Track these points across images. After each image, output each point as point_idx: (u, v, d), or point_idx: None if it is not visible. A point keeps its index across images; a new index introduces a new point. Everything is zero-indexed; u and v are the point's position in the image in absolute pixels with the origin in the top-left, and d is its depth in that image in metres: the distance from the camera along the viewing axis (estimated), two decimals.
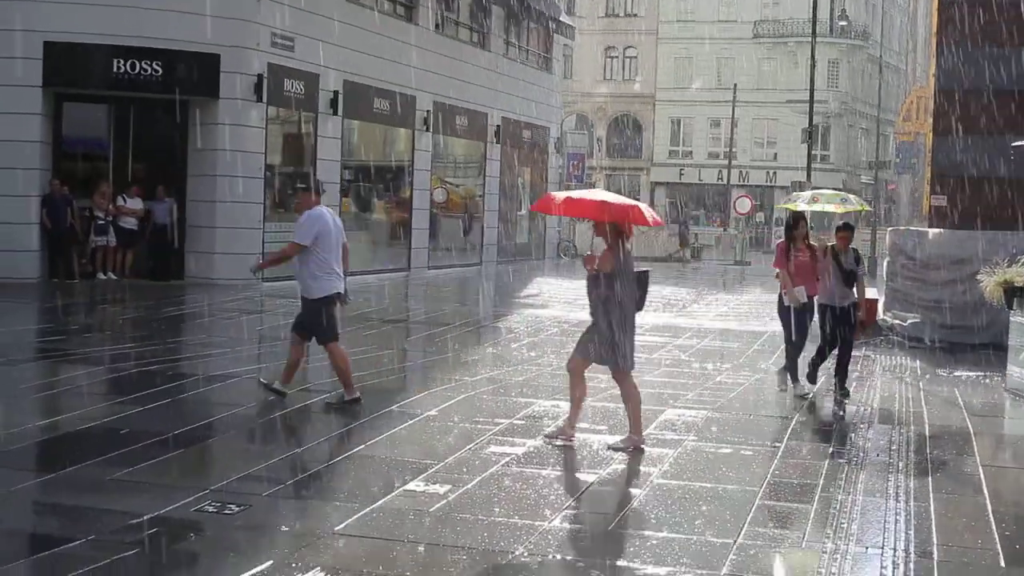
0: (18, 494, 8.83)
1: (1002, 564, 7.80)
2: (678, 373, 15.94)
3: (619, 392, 11.12)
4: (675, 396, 13.83)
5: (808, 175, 27.47)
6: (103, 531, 7.80)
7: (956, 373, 16.82)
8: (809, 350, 14.81)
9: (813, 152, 31.86)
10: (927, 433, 12.23)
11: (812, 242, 14.81)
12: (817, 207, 19.99)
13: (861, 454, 11.06)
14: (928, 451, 11.40)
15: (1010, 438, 13.43)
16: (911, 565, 7.64)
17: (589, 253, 11.25)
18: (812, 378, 14.55)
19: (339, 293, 12.42)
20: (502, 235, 42.43)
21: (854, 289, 14.25)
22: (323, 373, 15.98)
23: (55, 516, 8.41)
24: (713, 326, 22.74)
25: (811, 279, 14.49)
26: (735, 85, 67.87)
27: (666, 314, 25.34)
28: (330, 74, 30.08)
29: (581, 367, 11.18)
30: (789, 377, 14.68)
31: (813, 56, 29.36)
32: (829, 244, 14.47)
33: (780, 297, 15.00)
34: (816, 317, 14.80)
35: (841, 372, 14.35)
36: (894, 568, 7.57)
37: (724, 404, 13.48)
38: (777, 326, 22.61)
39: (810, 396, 14.20)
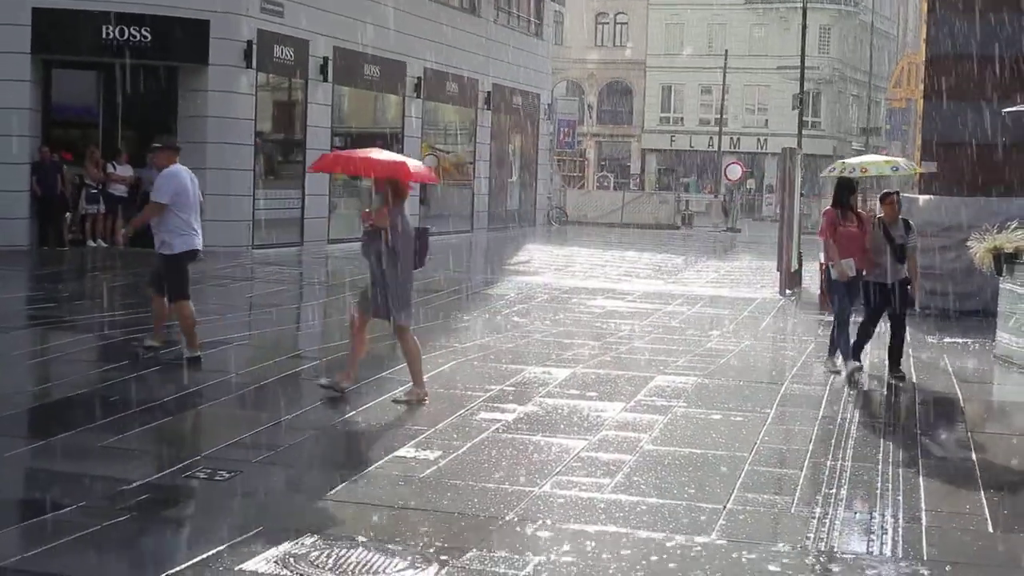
0: (8, 461, 8.83)
1: (990, 529, 7.84)
2: (668, 339, 15.96)
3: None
4: (665, 362, 13.85)
5: (799, 142, 27.45)
6: (94, 497, 7.82)
7: (946, 339, 16.84)
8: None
9: (804, 118, 31.89)
10: (916, 399, 12.28)
11: (860, 211, 13.66)
12: (866, 175, 18.56)
13: (851, 420, 11.09)
14: (917, 417, 11.44)
15: (999, 404, 13.45)
16: (900, 530, 7.67)
17: (367, 210, 11.35)
18: (857, 356, 13.36)
19: (196, 250, 12.83)
20: (493, 202, 42.38)
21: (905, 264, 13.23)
22: (313, 340, 16.01)
23: (46, 483, 8.41)
24: (704, 292, 22.75)
25: (860, 251, 13.25)
26: (726, 51, 67.73)
27: (657, 281, 25.37)
28: (320, 40, 29.98)
29: (361, 323, 11.34)
30: (829, 351, 13.70)
31: (804, 22, 29.29)
32: (877, 216, 13.47)
33: (827, 270, 13.67)
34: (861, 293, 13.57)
35: (896, 353, 13.31)
36: (883, 533, 7.60)
37: (714, 370, 13.50)
38: (768, 292, 22.76)
39: (847, 374, 13.14)
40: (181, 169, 12.78)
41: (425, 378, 12.20)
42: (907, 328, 13.58)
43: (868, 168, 17.20)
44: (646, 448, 9.65)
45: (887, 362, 13.48)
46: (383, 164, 11.15)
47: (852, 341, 13.33)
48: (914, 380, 13.44)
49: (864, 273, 13.32)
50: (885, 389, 12.83)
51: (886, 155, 67.84)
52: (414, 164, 11.53)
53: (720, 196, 56.49)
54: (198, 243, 12.79)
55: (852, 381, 12.97)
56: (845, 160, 17.03)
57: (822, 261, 14.02)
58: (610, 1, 78.21)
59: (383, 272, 10.99)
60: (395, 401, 11.10)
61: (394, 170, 11.08)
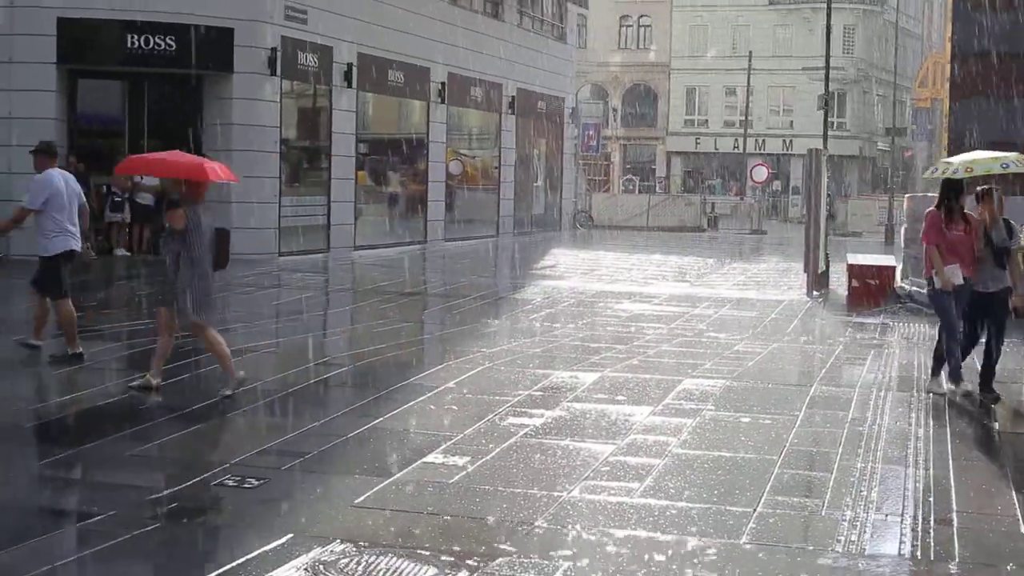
0: (38, 470, 8.88)
1: (1022, 531, 7.78)
2: (696, 343, 15.92)
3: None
4: (693, 366, 13.81)
5: (824, 142, 27.29)
6: (124, 506, 7.83)
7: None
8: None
9: (830, 119, 31.70)
10: (946, 400, 12.19)
11: (968, 213, 12.34)
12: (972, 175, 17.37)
13: (880, 422, 11.03)
14: (947, 418, 11.37)
15: None
16: (931, 533, 7.63)
17: (170, 210, 11.43)
18: (938, 372, 12.59)
19: (73, 251, 13.23)
20: (518, 206, 42.38)
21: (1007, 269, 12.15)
22: (340, 347, 16.03)
23: (75, 492, 8.45)
24: (730, 295, 22.69)
25: (969, 259, 12.10)
26: (750, 52, 67.57)
27: (683, 284, 25.32)
28: (344, 46, 30.03)
29: (165, 317, 11.57)
30: (947, 375, 12.40)
31: (829, 22, 29.13)
32: (978, 217, 12.23)
33: (931, 279, 12.43)
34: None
35: (988, 369, 12.28)
36: (913, 536, 7.56)
37: (742, 373, 13.46)
38: (795, 294, 22.68)
39: (950, 395, 12.31)
40: (55, 172, 13.21)
41: (452, 383, 12.24)
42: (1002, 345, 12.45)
43: (973, 167, 16.04)
44: (675, 452, 9.62)
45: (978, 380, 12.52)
46: (179, 165, 11.39)
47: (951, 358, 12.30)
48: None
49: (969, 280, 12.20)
50: (914, 391, 12.75)
51: (909, 155, 67.11)
52: (212, 165, 11.67)
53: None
54: (74, 244, 13.24)
55: (968, 398, 12.12)
56: (949, 160, 16.09)
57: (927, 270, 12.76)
58: (633, 3, 78.08)
59: (179, 272, 11.16)
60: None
61: (190, 171, 11.27)
